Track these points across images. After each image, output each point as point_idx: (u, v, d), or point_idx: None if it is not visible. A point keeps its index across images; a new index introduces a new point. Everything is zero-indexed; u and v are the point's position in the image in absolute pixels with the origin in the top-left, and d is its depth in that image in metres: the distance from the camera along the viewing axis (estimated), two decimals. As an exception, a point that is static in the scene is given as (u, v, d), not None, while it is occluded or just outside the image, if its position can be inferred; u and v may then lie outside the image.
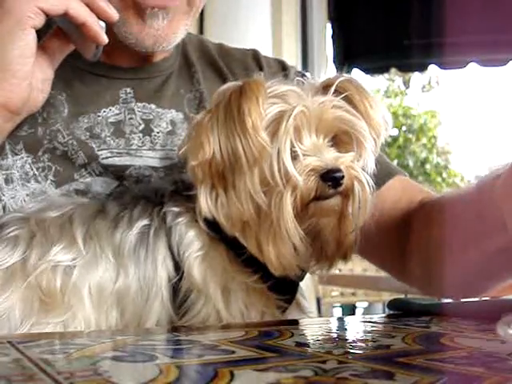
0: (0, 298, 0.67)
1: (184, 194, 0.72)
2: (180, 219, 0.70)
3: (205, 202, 0.67)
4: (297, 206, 0.65)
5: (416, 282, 0.88)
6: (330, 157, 0.66)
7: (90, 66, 0.88)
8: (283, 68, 1.05)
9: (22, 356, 0.43)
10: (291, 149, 0.65)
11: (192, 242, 0.69)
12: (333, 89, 0.70)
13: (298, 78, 0.73)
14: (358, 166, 0.69)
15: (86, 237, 0.70)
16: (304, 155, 0.66)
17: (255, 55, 1.05)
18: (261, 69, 1.02)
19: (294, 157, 0.66)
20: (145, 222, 0.71)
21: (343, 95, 0.70)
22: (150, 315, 0.68)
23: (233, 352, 0.45)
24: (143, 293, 0.68)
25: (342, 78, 0.72)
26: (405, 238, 0.86)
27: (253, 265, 0.69)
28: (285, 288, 0.72)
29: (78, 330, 0.66)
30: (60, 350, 0.47)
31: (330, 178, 0.65)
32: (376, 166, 0.74)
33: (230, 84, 0.69)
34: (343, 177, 0.65)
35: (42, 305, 0.67)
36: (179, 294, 0.69)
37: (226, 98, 0.67)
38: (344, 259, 0.71)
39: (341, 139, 0.70)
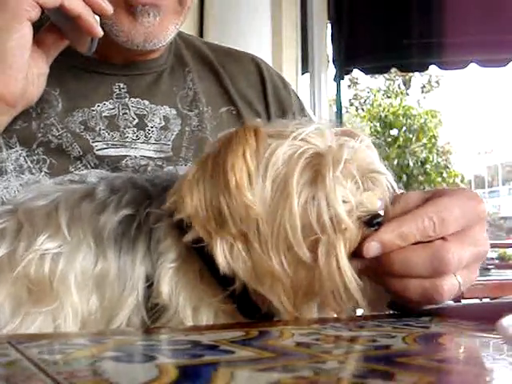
0: None
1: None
2: (161, 223, 0.67)
3: (222, 259, 0.62)
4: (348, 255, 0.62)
5: None
6: (370, 202, 0.64)
7: (83, 62, 0.89)
8: (283, 82, 1.06)
9: (21, 356, 0.43)
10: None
11: (167, 251, 0.66)
12: (359, 138, 0.67)
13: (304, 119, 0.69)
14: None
15: (70, 222, 0.67)
16: (344, 201, 0.62)
17: (256, 62, 1.06)
18: (261, 76, 1.03)
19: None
20: (130, 211, 0.68)
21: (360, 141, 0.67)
22: (123, 308, 0.65)
23: (233, 352, 0.45)
24: (120, 282, 0.66)
25: (356, 129, 0.71)
26: None
27: (224, 284, 0.65)
28: (254, 312, 0.67)
29: (67, 318, 0.65)
30: (60, 350, 0.47)
31: (376, 223, 0.63)
32: None
33: (228, 132, 0.65)
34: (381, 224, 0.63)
35: (30, 295, 0.65)
36: (151, 297, 0.66)
37: (214, 150, 0.63)
38: None
39: (370, 181, 0.67)
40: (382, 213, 0.65)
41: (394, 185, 0.68)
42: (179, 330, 0.62)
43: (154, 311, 0.66)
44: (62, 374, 0.38)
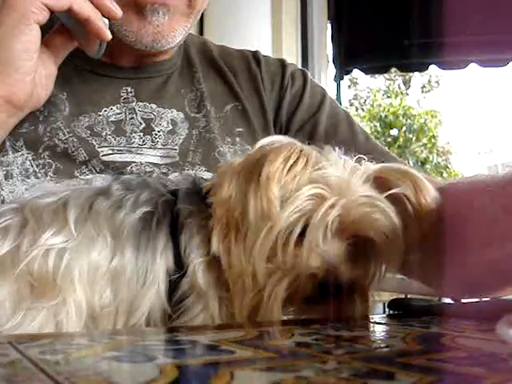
0: None
1: (199, 193, 0.72)
2: (192, 219, 0.70)
3: (216, 242, 0.67)
4: (287, 297, 0.65)
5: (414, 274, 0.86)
6: (340, 271, 0.65)
7: (91, 65, 0.88)
8: (282, 66, 1.05)
9: (21, 356, 0.43)
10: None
11: (200, 246, 0.69)
12: (389, 192, 0.68)
13: (355, 163, 0.70)
14: (370, 276, 0.69)
15: (80, 218, 0.69)
16: (319, 254, 0.65)
17: (255, 54, 1.05)
18: (258, 66, 1.03)
19: (309, 248, 0.65)
20: (149, 208, 0.70)
21: (396, 190, 0.68)
22: (144, 302, 0.67)
23: (233, 352, 0.45)
24: (139, 277, 0.68)
25: (397, 171, 0.70)
26: None
27: None
28: None
29: (70, 313, 0.66)
30: (60, 350, 0.47)
31: (324, 290, 0.64)
32: (375, 155, 0.73)
33: (275, 139, 0.68)
34: (340, 291, 0.64)
35: (33, 291, 0.66)
36: (177, 291, 0.68)
37: (261, 152, 0.66)
38: None
39: (368, 242, 0.68)
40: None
41: (397, 256, 0.69)
42: (179, 329, 0.62)
43: (178, 306, 0.68)
44: (62, 373, 0.38)
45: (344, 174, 0.67)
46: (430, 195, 0.69)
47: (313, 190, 0.64)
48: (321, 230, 0.64)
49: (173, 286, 0.68)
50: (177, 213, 0.70)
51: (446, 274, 0.76)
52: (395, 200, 0.68)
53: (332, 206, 0.64)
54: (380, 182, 0.69)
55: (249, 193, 0.64)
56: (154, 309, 0.68)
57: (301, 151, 0.65)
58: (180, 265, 0.69)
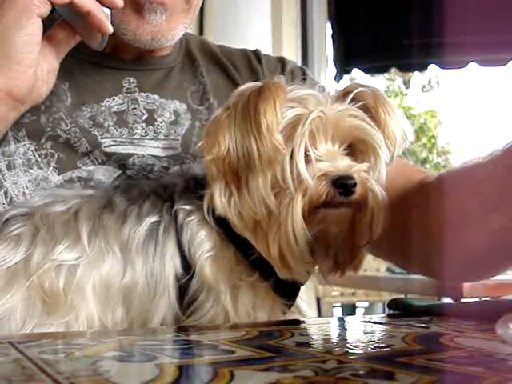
0: (2, 300, 0.66)
1: (195, 192, 0.72)
2: (191, 218, 0.70)
3: (219, 200, 0.67)
4: (305, 210, 0.64)
5: (413, 262, 0.85)
6: (343, 164, 0.66)
7: (93, 56, 0.88)
8: (282, 63, 1.05)
9: (22, 356, 0.43)
10: (305, 153, 0.65)
11: (203, 242, 0.69)
12: (350, 97, 0.70)
13: (319, 85, 0.73)
14: (373, 177, 0.69)
15: (92, 233, 0.69)
16: (317, 160, 0.66)
17: (255, 52, 1.06)
18: (260, 63, 1.03)
19: (307, 161, 0.65)
20: (154, 218, 0.71)
21: (360, 103, 0.70)
22: (156, 312, 0.68)
23: (233, 352, 0.45)
24: (150, 289, 0.68)
25: (360, 88, 0.72)
26: (402, 219, 0.80)
27: (258, 267, 0.69)
28: (289, 292, 0.73)
29: (81, 329, 0.66)
30: (60, 349, 0.47)
31: (341, 184, 0.64)
32: None
33: (250, 84, 0.70)
34: (355, 184, 0.65)
35: (44, 306, 0.67)
36: (188, 293, 0.69)
37: (244, 97, 0.67)
38: (354, 270, 0.71)
39: (357, 148, 0.70)
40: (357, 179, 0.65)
41: (385, 154, 0.70)
42: (180, 330, 0.62)
43: (190, 307, 0.69)
44: (63, 373, 0.38)
45: (316, 93, 0.69)
46: (393, 113, 0.71)
47: (293, 113, 0.66)
48: (305, 137, 0.65)
49: (183, 289, 0.69)
50: (175, 215, 0.71)
51: (447, 252, 0.75)
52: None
53: (308, 118, 0.66)
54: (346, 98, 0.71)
55: (251, 143, 0.64)
56: (167, 317, 0.69)
57: (280, 88, 0.67)
58: (188, 267, 0.69)
